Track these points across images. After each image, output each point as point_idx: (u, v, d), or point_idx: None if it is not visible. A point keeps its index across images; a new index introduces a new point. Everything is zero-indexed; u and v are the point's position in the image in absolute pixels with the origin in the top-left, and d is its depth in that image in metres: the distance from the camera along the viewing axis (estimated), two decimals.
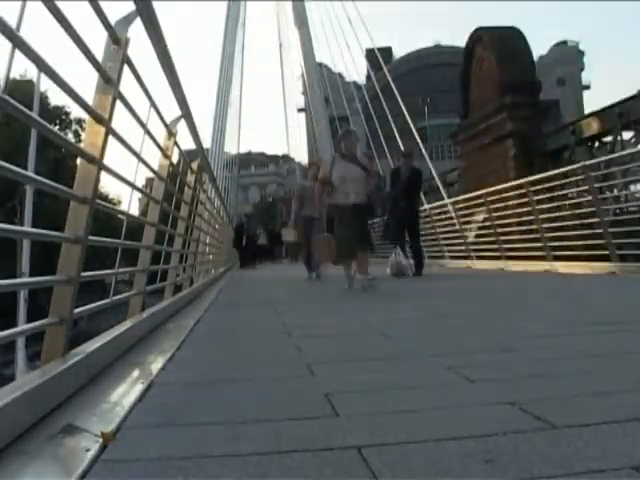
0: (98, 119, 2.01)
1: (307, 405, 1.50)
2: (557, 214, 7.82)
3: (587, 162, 6.90)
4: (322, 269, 7.80)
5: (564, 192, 8.45)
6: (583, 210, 7.33)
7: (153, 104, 2.94)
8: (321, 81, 32.32)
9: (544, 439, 1.16)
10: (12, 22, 1.42)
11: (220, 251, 11.34)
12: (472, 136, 25.23)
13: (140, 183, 3.68)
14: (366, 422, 1.33)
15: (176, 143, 3.83)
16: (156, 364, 2.14)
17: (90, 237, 2.01)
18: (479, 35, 25.05)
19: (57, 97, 25.66)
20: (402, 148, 15.89)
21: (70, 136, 25.56)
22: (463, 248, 10.37)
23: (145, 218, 3.62)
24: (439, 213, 11.38)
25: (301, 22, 33.15)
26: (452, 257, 10.93)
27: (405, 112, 15.81)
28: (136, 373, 2.04)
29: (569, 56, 51.07)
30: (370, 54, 23.91)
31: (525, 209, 8.00)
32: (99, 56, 2.01)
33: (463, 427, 1.26)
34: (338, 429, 1.28)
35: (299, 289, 7.12)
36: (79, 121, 27.36)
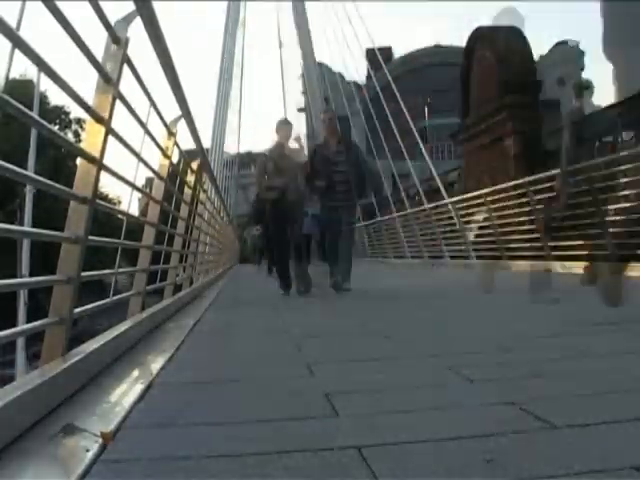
0: (98, 119, 2.01)
1: (307, 405, 1.50)
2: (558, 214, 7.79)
3: (588, 162, 6.87)
4: None
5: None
6: (583, 210, 7.31)
7: (153, 104, 2.93)
8: (321, 81, 32.26)
9: (544, 439, 1.16)
10: (12, 22, 1.42)
11: (220, 251, 11.34)
12: (472, 136, 25.18)
13: (140, 183, 3.68)
14: (366, 422, 1.33)
15: (176, 143, 3.83)
16: (156, 364, 2.14)
17: (90, 237, 2.01)
18: (479, 34, 25.00)
19: (57, 97, 25.67)
20: (403, 148, 15.75)
21: (70, 136, 25.53)
22: (463, 248, 10.36)
23: (145, 218, 3.62)
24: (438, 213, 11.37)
25: (301, 21, 33.09)
26: (451, 257, 10.91)
27: (405, 112, 15.75)
28: (136, 373, 2.04)
29: (569, 56, 51.02)
30: (370, 54, 23.86)
31: (525, 209, 7.98)
32: (99, 56, 2.01)
33: (463, 427, 1.26)
34: (338, 429, 1.28)
35: None
36: (79, 121, 27.33)
